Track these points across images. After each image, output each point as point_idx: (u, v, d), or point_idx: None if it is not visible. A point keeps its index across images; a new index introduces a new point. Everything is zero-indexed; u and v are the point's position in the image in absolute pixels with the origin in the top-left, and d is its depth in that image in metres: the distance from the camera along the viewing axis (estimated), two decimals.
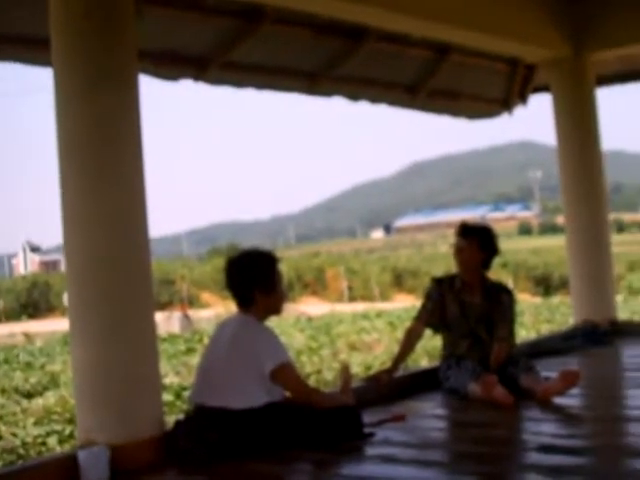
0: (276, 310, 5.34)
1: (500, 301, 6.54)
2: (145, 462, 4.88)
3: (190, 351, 16.72)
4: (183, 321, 27.42)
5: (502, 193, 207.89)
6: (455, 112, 9.74)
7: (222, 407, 5.00)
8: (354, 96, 8.54)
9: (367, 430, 5.24)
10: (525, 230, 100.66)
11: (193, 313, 31.87)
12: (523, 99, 10.06)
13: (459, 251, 6.57)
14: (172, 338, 19.71)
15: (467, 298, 6.55)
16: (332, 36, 7.97)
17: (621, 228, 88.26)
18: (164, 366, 13.18)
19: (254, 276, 5.24)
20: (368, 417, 5.40)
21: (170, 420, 5.30)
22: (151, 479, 4.79)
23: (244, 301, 5.25)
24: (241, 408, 4.97)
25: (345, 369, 5.91)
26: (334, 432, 5.10)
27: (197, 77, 7.25)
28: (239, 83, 7.60)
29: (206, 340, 16.80)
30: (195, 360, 13.48)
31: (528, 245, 64.08)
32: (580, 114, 9.28)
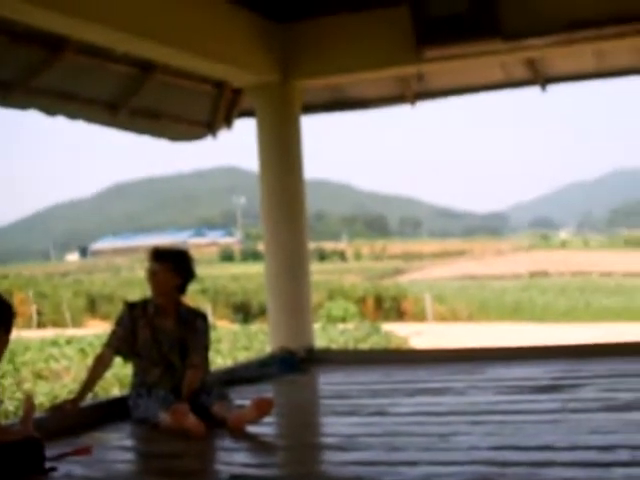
0: None
1: (195, 327, 6.38)
2: None
3: None
4: None
5: (205, 218, 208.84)
6: (157, 133, 9.52)
7: None
8: (51, 110, 8.13)
9: (48, 464, 4.89)
10: (227, 256, 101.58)
11: None
12: (228, 123, 10.02)
13: (152, 275, 6.38)
14: None
15: (160, 323, 6.34)
16: (29, 45, 7.56)
17: (323, 256, 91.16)
18: None
19: (3, 315, 4.90)
20: (51, 450, 5.05)
21: None
22: None
23: None
24: None
25: (28, 399, 5.52)
26: (12, 467, 4.71)
27: None
28: None
29: None
30: None
31: (229, 271, 64.74)
32: (284, 141, 9.31)
